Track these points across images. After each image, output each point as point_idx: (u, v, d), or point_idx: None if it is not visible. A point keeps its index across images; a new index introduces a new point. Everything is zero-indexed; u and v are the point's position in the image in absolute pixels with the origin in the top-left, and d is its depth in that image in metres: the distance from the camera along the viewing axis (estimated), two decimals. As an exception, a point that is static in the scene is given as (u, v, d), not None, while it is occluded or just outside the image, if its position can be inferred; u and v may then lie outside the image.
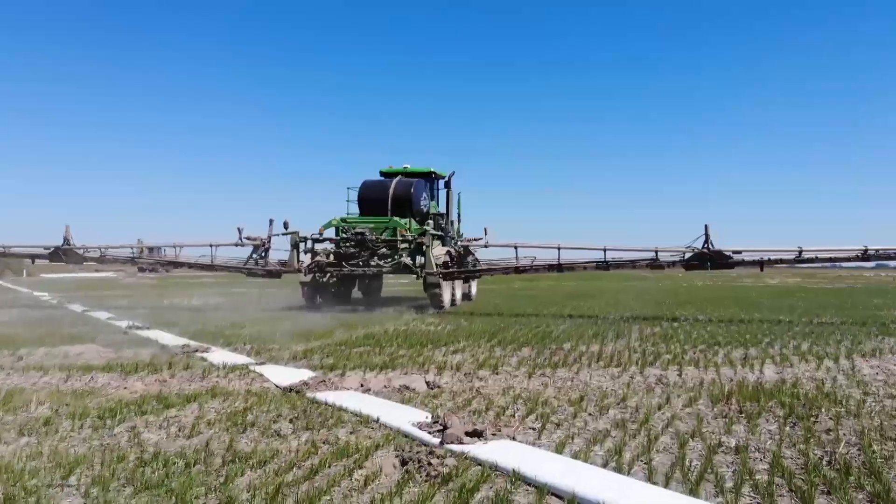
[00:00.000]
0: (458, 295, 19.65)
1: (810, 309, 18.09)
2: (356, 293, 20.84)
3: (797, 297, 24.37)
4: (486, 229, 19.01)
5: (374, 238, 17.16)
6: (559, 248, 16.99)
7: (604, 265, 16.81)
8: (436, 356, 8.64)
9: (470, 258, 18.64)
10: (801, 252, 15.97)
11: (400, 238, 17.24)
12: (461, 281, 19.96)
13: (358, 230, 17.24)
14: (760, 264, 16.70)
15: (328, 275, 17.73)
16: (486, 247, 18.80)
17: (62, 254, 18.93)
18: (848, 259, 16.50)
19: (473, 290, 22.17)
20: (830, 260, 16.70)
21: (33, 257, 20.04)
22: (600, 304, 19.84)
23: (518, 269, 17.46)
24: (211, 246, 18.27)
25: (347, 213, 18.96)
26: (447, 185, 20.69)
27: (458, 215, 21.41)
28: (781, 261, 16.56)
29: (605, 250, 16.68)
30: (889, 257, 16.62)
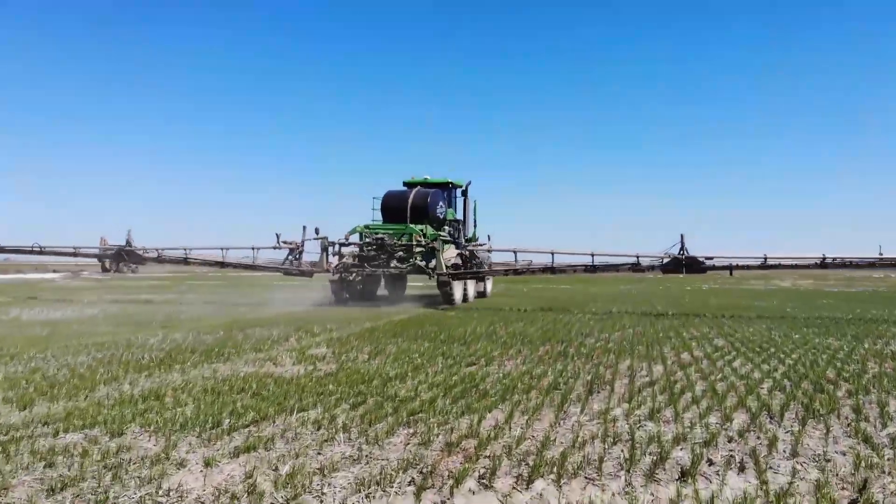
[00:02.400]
0: (472, 293, 21.32)
1: (858, 322, 13.50)
2: (382, 291, 22.40)
3: (825, 305, 19.80)
4: (489, 236, 22.63)
5: (392, 242, 19.02)
6: (553, 254, 18.77)
7: (591, 268, 18.57)
8: (172, 478, 4.07)
9: (476, 260, 20.72)
10: (765, 259, 17.57)
11: (415, 243, 19.00)
12: (474, 280, 21.71)
13: (378, 235, 19.26)
14: (730, 269, 18.37)
15: (353, 274, 19.58)
16: (489, 251, 21.64)
17: (125, 254, 21.74)
18: (808, 267, 17.97)
19: (488, 289, 24.09)
20: (792, 267, 18.41)
21: (100, 257, 24.20)
22: (586, 316, 15.27)
23: (517, 271, 19.88)
24: (253, 248, 20.72)
25: (372, 220, 20.92)
26: (464, 193, 22.95)
27: (474, 221, 23.31)
28: (748, 266, 18.05)
29: (592, 255, 18.24)
30: (844, 265, 17.84)
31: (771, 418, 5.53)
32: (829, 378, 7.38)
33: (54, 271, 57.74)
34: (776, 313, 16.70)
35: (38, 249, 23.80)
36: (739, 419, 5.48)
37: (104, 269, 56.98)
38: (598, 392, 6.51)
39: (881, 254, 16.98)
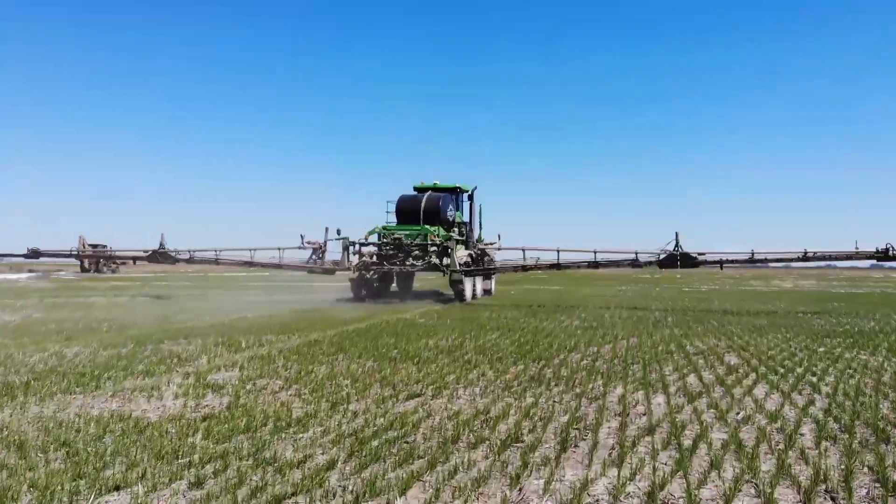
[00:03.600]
0: (479, 290, 22.34)
1: (886, 329, 11.57)
2: (393, 287, 23.51)
3: (838, 308, 17.94)
4: (499, 235, 24.14)
5: (409, 243, 20.49)
6: (558, 251, 20.67)
7: (594, 264, 20.30)
8: None
9: (487, 259, 23.07)
10: (752, 254, 19.00)
11: (430, 243, 20.44)
12: (482, 278, 22.87)
13: (396, 236, 20.69)
14: (720, 264, 19.83)
15: (371, 272, 20.62)
16: (499, 250, 23.69)
17: (159, 255, 22.33)
18: (791, 260, 19.41)
19: (493, 287, 24.83)
20: (777, 260, 20.08)
21: (135, 259, 24.59)
22: (574, 324, 13.37)
23: (525, 268, 21.94)
24: (279, 249, 22.19)
25: (387, 222, 22.12)
26: (470, 197, 24.18)
27: (480, 223, 24.55)
28: (737, 261, 19.71)
29: (595, 252, 20.11)
30: (824, 258, 19.43)
31: (833, 501, 3.62)
32: (887, 417, 5.49)
33: (30, 271, 55.79)
34: (787, 319, 14.83)
35: (77, 253, 25.75)
36: (787, 501, 3.57)
37: (83, 270, 55.22)
38: (576, 446, 4.59)
39: (857, 248, 18.63)
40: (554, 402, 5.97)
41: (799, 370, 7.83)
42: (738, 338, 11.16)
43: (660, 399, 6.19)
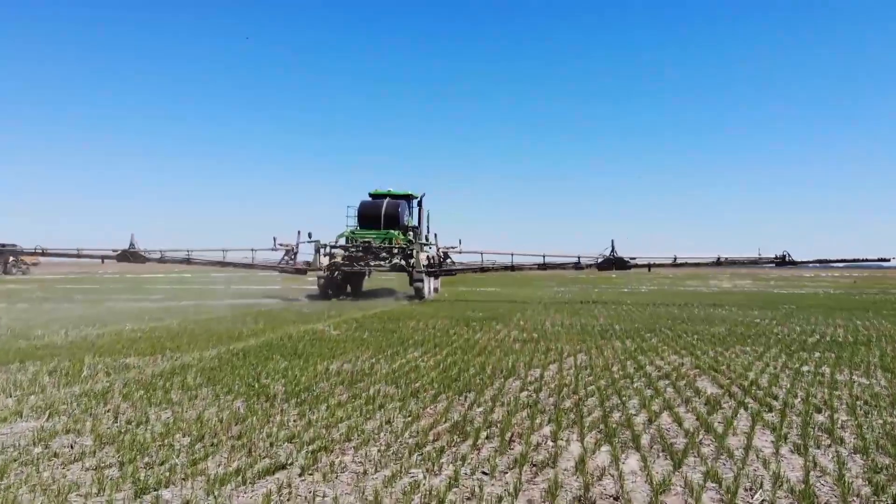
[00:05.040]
0: (432, 288, 24.24)
1: (859, 337, 10.11)
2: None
3: (791, 311, 16.71)
4: (460, 240, 25.40)
5: (377, 245, 22.82)
6: (512, 255, 23.45)
7: (543, 266, 23.33)
8: None
9: (448, 261, 24.40)
10: (675, 259, 22.34)
11: (395, 245, 22.85)
12: (434, 278, 24.87)
13: (366, 239, 23.04)
14: (649, 267, 23.50)
15: (336, 273, 22.71)
16: (459, 252, 24.91)
17: (129, 255, 22.84)
18: (708, 265, 22.86)
19: (439, 287, 26.92)
20: (695, 265, 23.79)
21: (103, 258, 23.83)
22: (511, 335, 11.53)
23: (483, 269, 24.20)
24: (252, 250, 23.07)
25: (347, 226, 24.61)
26: (419, 203, 26.53)
27: (427, 227, 26.72)
28: (663, 265, 22.86)
29: (544, 256, 23.12)
30: (734, 263, 23.05)
31: None
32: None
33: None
34: (746, 327, 13.36)
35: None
36: None
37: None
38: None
39: (760, 254, 22.16)
40: (482, 474, 4.03)
41: (796, 403, 6.13)
42: (701, 352, 9.52)
43: (633, 463, 4.33)
